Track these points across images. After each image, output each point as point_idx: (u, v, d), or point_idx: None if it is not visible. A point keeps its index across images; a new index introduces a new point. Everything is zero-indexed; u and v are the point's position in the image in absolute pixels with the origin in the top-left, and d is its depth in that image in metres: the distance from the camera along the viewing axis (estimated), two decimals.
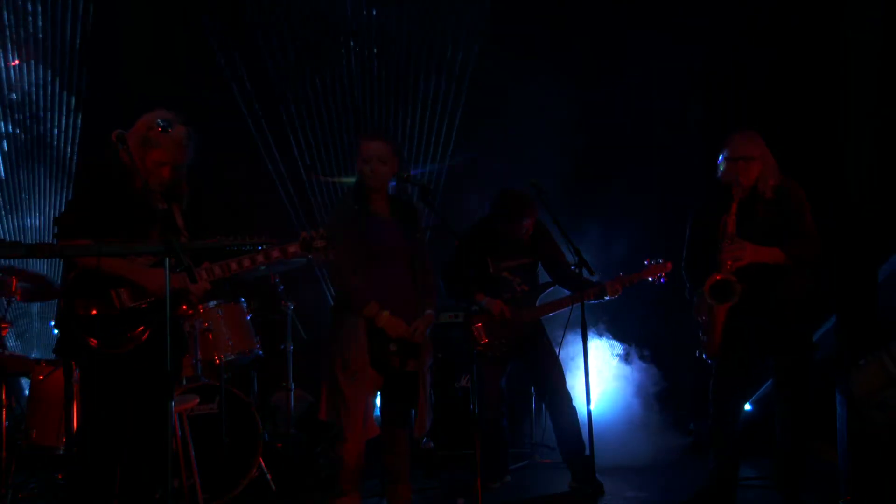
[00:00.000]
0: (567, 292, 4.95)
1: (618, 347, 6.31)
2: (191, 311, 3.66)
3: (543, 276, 5.12)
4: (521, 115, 6.74)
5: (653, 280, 4.86)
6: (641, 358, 6.33)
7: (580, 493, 4.76)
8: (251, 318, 5.28)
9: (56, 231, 3.47)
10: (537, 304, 5.03)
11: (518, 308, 4.89)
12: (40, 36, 6.40)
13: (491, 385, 4.93)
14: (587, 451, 4.68)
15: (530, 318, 4.89)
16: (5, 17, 6.31)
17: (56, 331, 3.54)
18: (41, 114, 6.52)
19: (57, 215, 3.56)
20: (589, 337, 4.44)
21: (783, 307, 4.19)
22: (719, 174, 4.30)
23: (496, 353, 4.89)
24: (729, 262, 4.08)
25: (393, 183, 4.12)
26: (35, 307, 6.52)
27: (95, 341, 3.38)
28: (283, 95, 6.70)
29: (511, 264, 4.94)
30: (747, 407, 5.76)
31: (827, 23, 5.15)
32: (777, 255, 4.11)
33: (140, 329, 3.45)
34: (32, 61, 6.40)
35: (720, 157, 4.29)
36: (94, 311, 3.41)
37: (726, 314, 4.16)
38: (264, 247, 3.51)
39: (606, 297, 4.88)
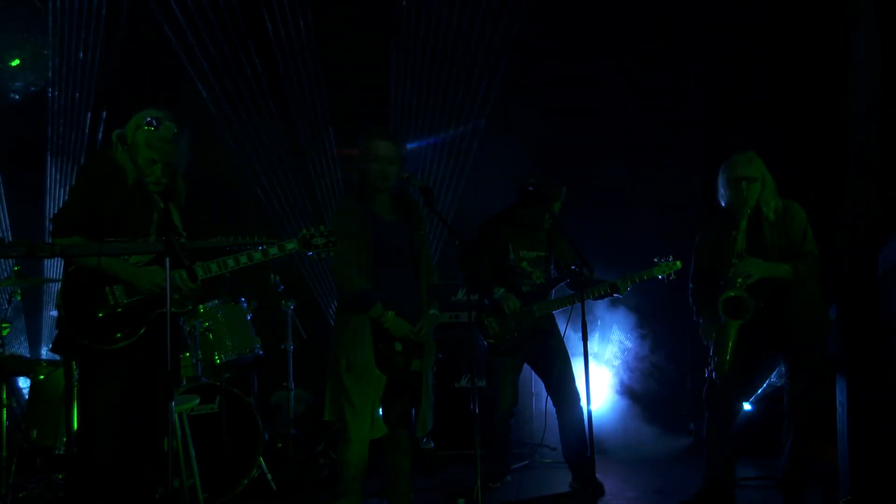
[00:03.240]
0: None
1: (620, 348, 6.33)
2: (189, 308, 3.66)
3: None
4: (519, 115, 6.75)
5: (662, 278, 4.86)
6: (642, 359, 6.34)
7: (580, 493, 4.76)
8: (251, 317, 5.28)
9: (52, 228, 3.50)
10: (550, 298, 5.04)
11: (532, 301, 4.89)
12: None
13: (506, 383, 4.94)
14: (589, 453, 4.74)
15: (542, 312, 4.90)
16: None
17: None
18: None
19: (54, 213, 3.57)
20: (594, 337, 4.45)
21: (791, 319, 4.22)
22: (722, 198, 4.35)
23: (508, 348, 4.89)
24: (739, 280, 4.12)
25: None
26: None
27: (90, 338, 3.39)
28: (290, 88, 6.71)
29: (530, 255, 4.96)
30: (747, 407, 5.76)
31: (827, 22, 5.15)
32: (786, 272, 4.17)
33: (135, 327, 3.45)
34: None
35: (719, 179, 4.34)
36: (90, 308, 3.42)
37: (738, 332, 4.20)
38: (264, 246, 3.52)
39: (616, 295, 4.88)
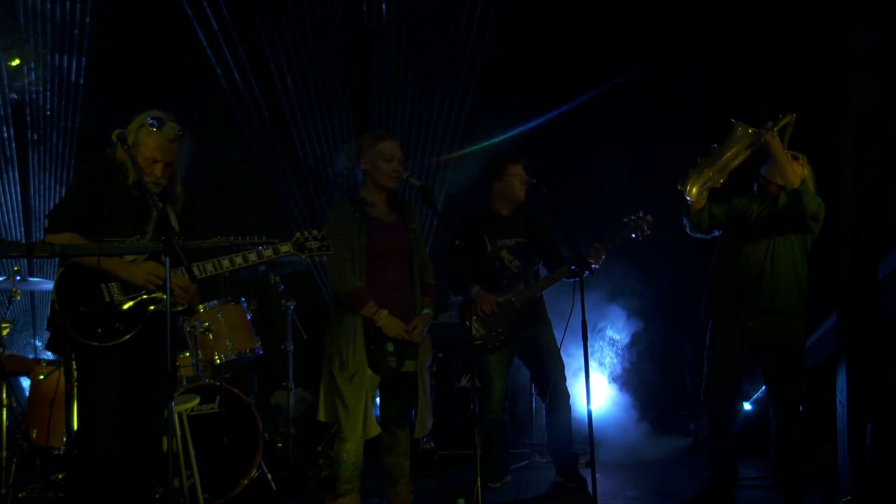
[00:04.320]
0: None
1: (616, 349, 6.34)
2: (180, 308, 3.66)
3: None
4: (517, 113, 6.75)
5: (636, 236, 4.83)
6: (642, 359, 6.34)
7: (580, 493, 4.76)
8: (251, 317, 5.28)
9: (47, 224, 3.49)
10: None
11: (513, 293, 4.87)
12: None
13: (496, 380, 4.92)
14: (574, 448, 4.87)
15: (524, 300, 4.87)
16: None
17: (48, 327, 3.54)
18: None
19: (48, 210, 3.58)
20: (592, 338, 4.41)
21: (778, 301, 4.22)
22: (763, 177, 4.34)
23: (495, 345, 4.88)
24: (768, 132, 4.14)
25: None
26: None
27: (85, 336, 3.38)
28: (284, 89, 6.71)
29: (509, 243, 4.94)
30: (747, 407, 5.76)
31: (827, 20, 5.14)
32: (797, 174, 4.15)
33: (131, 325, 3.45)
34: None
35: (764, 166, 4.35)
36: (84, 306, 3.41)
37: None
38: (264, 246, 3.51)
39: (593, 265, 4.73)
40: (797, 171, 4.18)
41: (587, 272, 4.41)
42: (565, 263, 4.82)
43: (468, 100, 6.76)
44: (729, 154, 4.23)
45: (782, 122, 4.18)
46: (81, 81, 6.48)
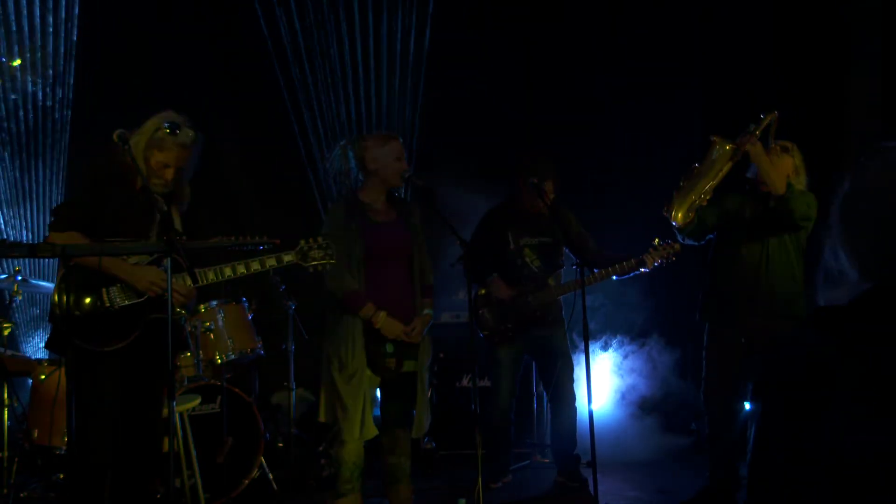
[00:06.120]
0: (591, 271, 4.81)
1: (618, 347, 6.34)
2: (182, 311, 3.66)
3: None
4: (516, 113, 6.75)
5: (659, 264, 4.77)
6: (642, 358, 6.33)
7: (580, 493, 4.77)
8: (252, 317, 5.28)
9: (51, 220, 3.49)
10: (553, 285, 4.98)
11: (529, 290, 4.86)
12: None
13: (504, 375, 4.92)
14: (576, 450, 4.87)
15: (542, 302, 4.87)
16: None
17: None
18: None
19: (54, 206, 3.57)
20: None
21: (776, 303, 4.21)
22: (750, 180, 4.33)
23: (503, 338, 4.87)
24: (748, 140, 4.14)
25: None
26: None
27: (84, 338, 3.38)
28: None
29: (532, 241, 4.90)
30: (748, 406, 5.76)
31: (828, 20, 5.15)
32: (781, 178, 4.12)
33: (130, 328, 3.44)
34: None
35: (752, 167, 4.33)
36: (84, 308, 3.41)
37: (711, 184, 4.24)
38: (266, 247, 3.50)
39: (644, 269, 4.74)
40: (782, 173, 4.16)
41: (644, 270, 4.61)
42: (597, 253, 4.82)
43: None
44: (711, 173, 4.25)
45: (764, 123, 4.17)
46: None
